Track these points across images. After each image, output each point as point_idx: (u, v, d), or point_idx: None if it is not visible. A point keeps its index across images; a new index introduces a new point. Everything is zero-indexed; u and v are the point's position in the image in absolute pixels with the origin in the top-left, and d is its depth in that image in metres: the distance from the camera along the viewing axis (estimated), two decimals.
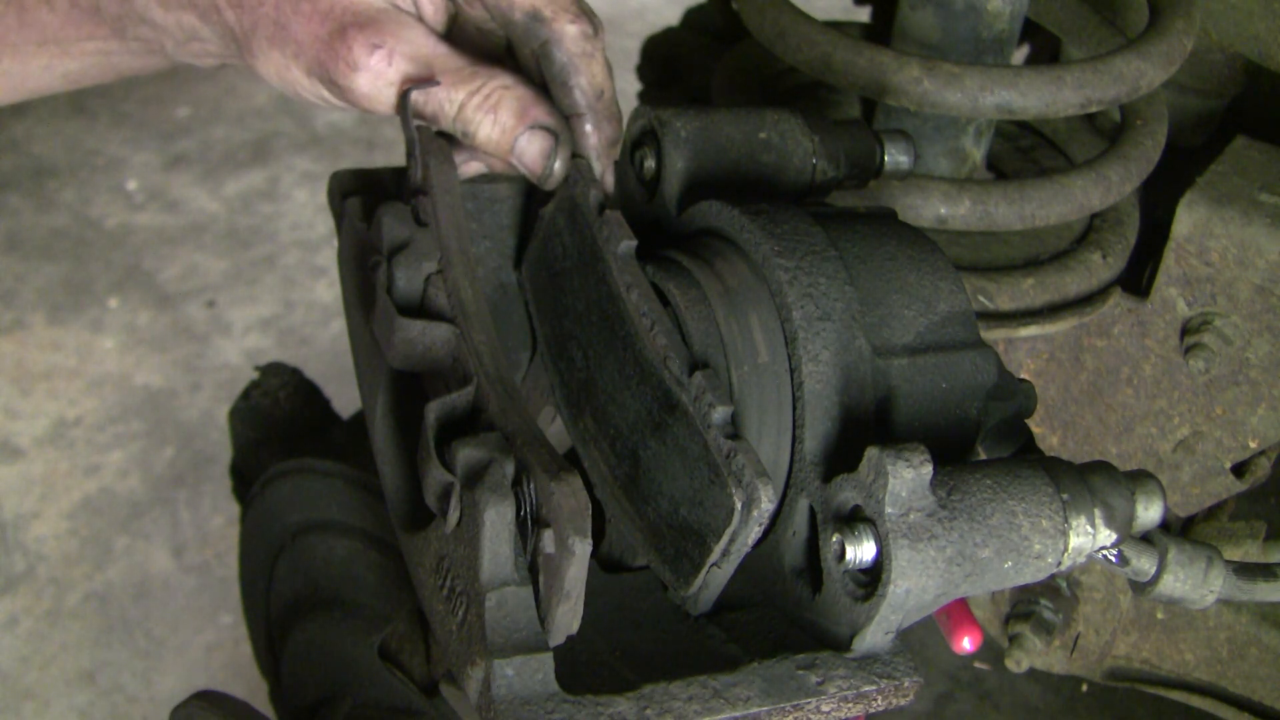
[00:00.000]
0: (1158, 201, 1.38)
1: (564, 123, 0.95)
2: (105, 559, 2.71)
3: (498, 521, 0.72)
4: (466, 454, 0.75)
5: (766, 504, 0.73)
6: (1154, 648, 1.52)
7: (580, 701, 0.72)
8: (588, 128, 0.95)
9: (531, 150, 0.93)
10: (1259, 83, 1.53)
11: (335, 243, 1.03)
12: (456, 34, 1.02)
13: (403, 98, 0.93)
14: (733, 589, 0.81)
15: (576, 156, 0.94)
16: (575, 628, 0.75)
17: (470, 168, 1.00)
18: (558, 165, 0.94)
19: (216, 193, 3.80)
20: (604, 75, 0.95)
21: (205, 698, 1.20)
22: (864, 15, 1.73)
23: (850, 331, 0.79)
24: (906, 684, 0.76)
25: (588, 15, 0.94)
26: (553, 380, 0.97)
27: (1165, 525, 0.80)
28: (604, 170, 0.96)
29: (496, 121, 0.92)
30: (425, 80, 0.93)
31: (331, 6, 0.90)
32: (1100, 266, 1.31)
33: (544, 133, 0.93)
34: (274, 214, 3.74)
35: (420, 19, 0.95)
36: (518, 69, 0.97)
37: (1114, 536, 0.74)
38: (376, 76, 0.90)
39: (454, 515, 0.76)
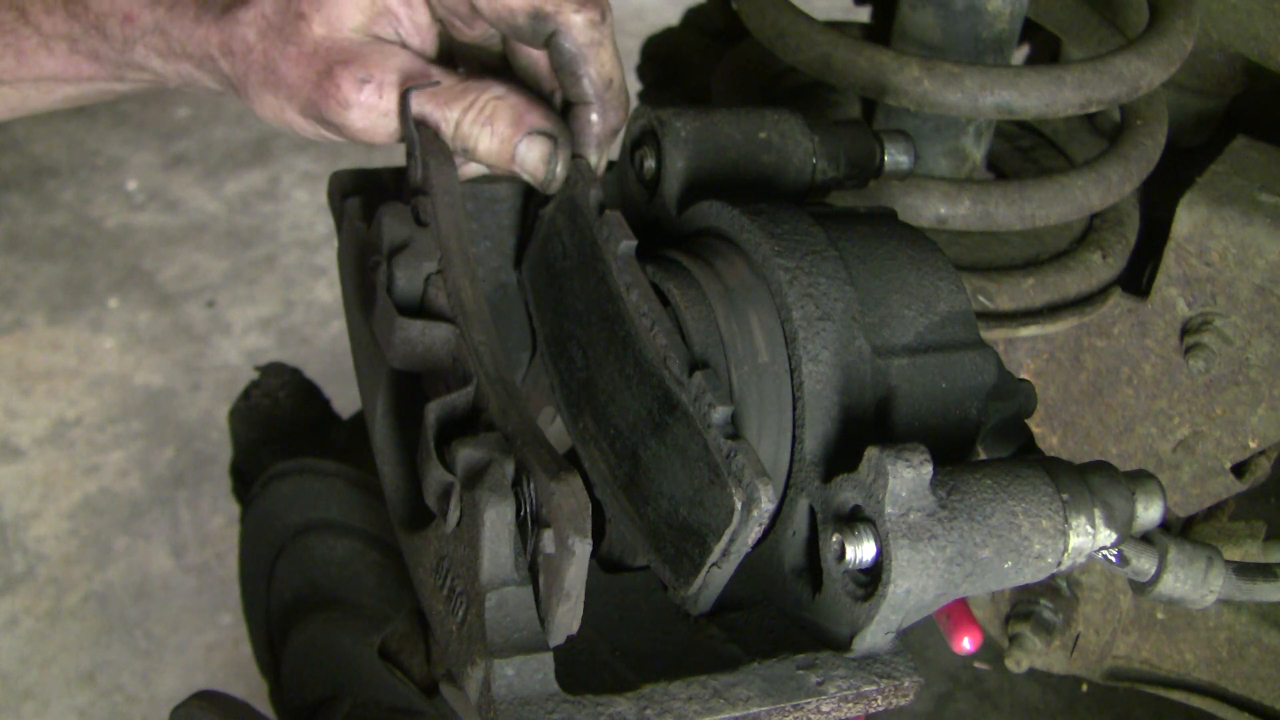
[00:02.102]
0: (1158, 201, 1.38)
1: (563, 125, 0.94)
2: (105, 559, 2.71)
3: (498, 521, 0.72)
4: (466, 454, 0.75)
5: (766, 504, 0.73)
6: (1154, 648, 1.52)
7: (580, 701, 0.72)
8: (593, 116, 0.94)
9: (531, 156, 0.93)
10: (1259, 83, 1.53)
11: (335, 243, 1.03)
12: (448, 58, 1.01)
13: (402, 99, 0.93)
14: (733, 589, 0.81)
15: (576, 156, 0.94)
16: (575, 628, 0.75)
17: (470, 168, 1.00)
18: (559, 169, 0.94)
19: (216, 193, 3.80)
20: (613, 63, 0.94)
21: (205, 698, 1.20)
22: (864, 15, 1.73)
23: (850, 331, 0.79)
24: (906, 684, 0.76)
25: (594, 1, 0.92)
26: (553, 380, 0.97)
27: (1165, 525, 0.80)
28: (600, 161, 0.95)
29: (494, 133, 0.92)
30: (424, 81, 0.93)
31: (316, 47, 0.90)
32: (1100, 266, 1.31)
33: (542, 138, 0.93)
34: (274, 214, 3.74)
35: (405, 46, 0.95)
36: (514, 80, 0.97)
37: (1114, 536, 0.74)
38: (369, 110, 0.90)
39: (454, 515, 0.76)
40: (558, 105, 0.97)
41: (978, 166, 1.39)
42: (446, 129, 0.92)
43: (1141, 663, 1.54)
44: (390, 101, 0.91)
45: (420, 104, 0.92)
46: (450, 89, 0.92)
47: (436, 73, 0.93)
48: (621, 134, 0.98)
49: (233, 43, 0.92)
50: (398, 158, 0.99)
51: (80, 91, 1.03)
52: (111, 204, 3.73)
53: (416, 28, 0.95)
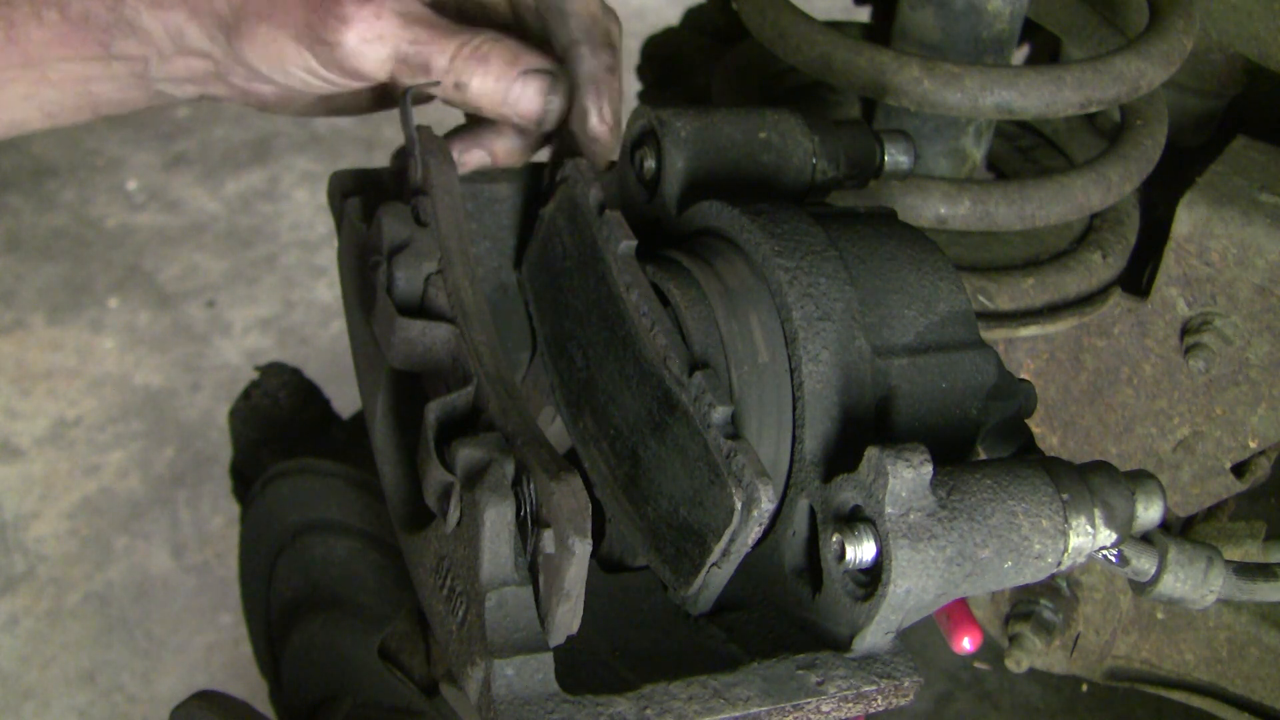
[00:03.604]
0: (1158, 201, 1.38)
1: (559, 65, 0.95)
2: (105, 559, 2.71)
3: (498, 521, 0.72)
4: (466, 454, 0.75)
5: (766, 504, 0.73)
6: (1154, 648, 1.52)
7: (580, 701, 0.72)
8: (584, 51, 0.95)
9: (528, 93, 0.94)
10: (1259, 83, 1.53)
11: (335, 243, 1.03)
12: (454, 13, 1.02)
13: (403, 97, 0.93)
14: (733, 589, 0.81)
15: (576, 156, 0.94)
16: (575, 628, 0.75)
17: (472, 156, 1.00)
18: (557, 103, 0.94)
19: (216, 193, 3.80)
20: (599, 7, 0.96)
21: (205, 698, 1.19)
22: (864, 15, 1.73)
23: (850, 331, 0.79)
24: (906, 684, 0.76)
25: None
26: (553, 380, 0.97)
27: (1165, 525, 0.80)
28: (603, 101, 0.95)
29: (489, 70, 0.93)
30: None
31: None
32: (1100, 266, 1.31)
33: (539, 74, 0.94)
34: (274, 214, 3.74)
35: None
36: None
37: (1114, 536, 0.74)
38: (366, 29, 0.92)
39: (454, 515, 0.76)
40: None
41: (978, 166, 1.39)
42: (441, 62, 0.93)
43: (1141, 663, 1.54)
44: (388, 26, 0.92)
45: (415, 38, 0.92)
46: (446, 27, 0.93)
47: (433, 16, 0.94)
48: (619, 133, 0.98)
49: None
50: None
51: (60, 97, 1.02)
52: (111, 204, 3.73)
53: None
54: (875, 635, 0.73)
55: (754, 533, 0.75)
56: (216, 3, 0.95)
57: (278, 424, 1.69)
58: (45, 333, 3.27)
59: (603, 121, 0.96)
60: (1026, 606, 1.56)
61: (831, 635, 0.76)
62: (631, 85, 1.92)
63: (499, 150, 1.00)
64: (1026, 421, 0.85)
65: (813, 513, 0.77)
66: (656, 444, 0.82)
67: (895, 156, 0.99)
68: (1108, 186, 1.25)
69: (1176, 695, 1.53)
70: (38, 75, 1.00)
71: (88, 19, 0.97)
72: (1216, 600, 0.81)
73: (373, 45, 0.92)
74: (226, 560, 2.66)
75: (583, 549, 0.71)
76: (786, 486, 0.80)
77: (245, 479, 1.70)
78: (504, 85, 0.93)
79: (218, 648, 2.56)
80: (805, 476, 0.78)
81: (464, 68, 0.93)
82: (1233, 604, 1.43)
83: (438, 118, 0.98)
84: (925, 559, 0.69)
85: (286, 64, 0.95)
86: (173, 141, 4.00)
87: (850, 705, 0.75)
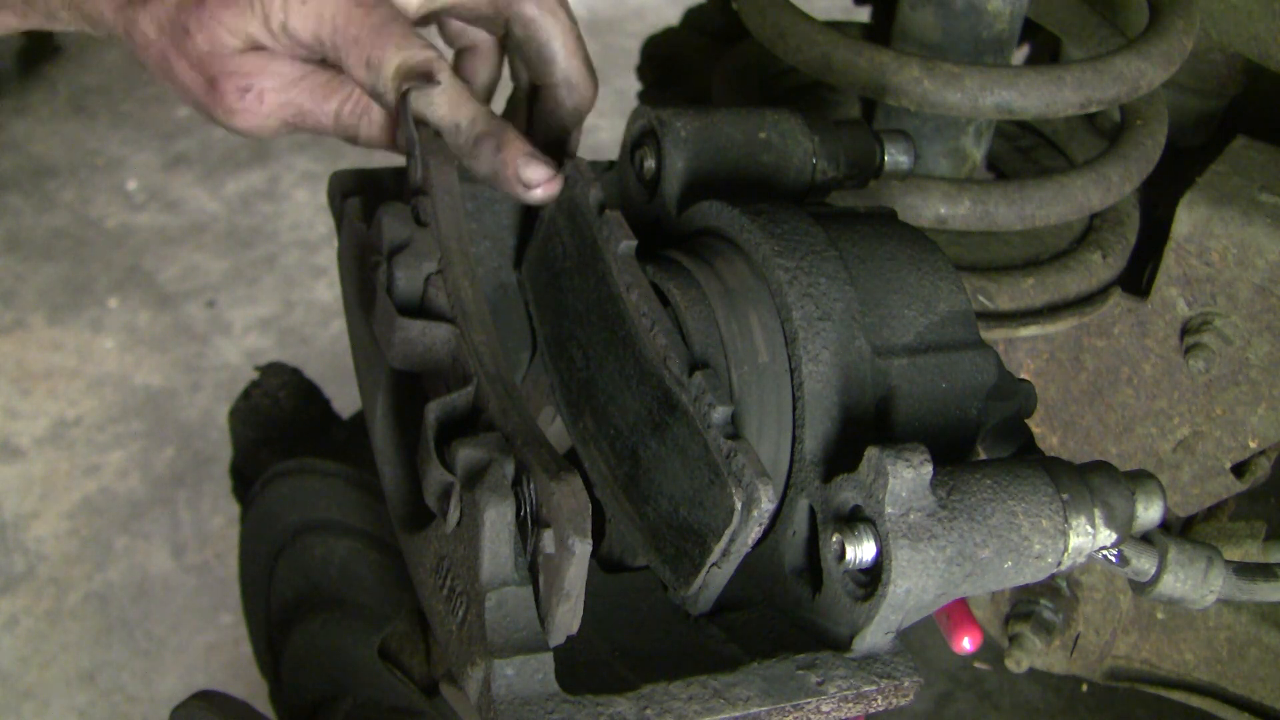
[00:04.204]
0: (1158, 201, 1.38)
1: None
2: (105, 559, 2.71)
3: (498, 521, 0.72)
4: (466, 454, 0.75)
5: (766, 504, 0.73)
6: (1154, 648, 1.52)
7: (580, 701, 0.72)
8: (483, 151, 0.94)
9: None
10: (1259, 83, 1.53)
11: (335, 243, 1.03)
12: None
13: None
14: (733, 589, 0.81)
15: (575, 157, 0.94)
16: (575, 628, 0.75)
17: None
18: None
19: (216, 193, 3.80)
20: (466, 111, 0.94)
21: (205, 698, 1.20)
22: (864, 15, 1.73)
23: (850, 331, 0.79)
24: (906, 684, 0.76)
25: (422, 70, 0.92)
26: (553, 380, 0.97)
27: (1165, 525, 0.80)
28: (522, 159, 0.93)
29: (372, 121, 0.98)
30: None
31: (201, 58, 0.96)
32: (1100, 266, 1.31)
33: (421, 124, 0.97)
34: (274, 214, 3.74)
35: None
36: None
37: (1114, 536, 0.74)
38: (252, 114, 0.97)
39: (454, 515, 0.76)
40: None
41: (978, 166, 1.39)
42: (327, 122, 0.98)
43: (1141, 663, 1.54)
44: (271, 104, 0.97)
45: (299, 109, 0.97)
46: (326, 85, 0.98)
47: (313, 75, 0.98)
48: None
49: (134, 34, 0.97)
50: (397, 158, 1.00)
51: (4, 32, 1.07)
52: (111, 204, 3.73)
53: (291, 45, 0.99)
54: (875, 635, 0.73)
55: (754, 533, 0.75)
56: (128, 45, 0.99)
57: (278, 424, 1.69)
58: (45, 333, 3.27)
59: (533, 170, 0.93)
60: (1026, 606, 1.56)
61: (831, 635, 0.76)
62: (631, 85, 1.92)
63: None
64: (1026, 421, 0.85)
65: (813, 513, 0.77)
66: (656, 444, 0.82)
67: (895, 156, 0.99)
68: (1108, 186, 1.25)
69: (1176, 695, 1.53)
70: None
71: (25, 14, 1.02)
72: (1216, 600, 0.81)
73: (264, 122, 0.98)
74: (226, 560, 2.66)
75: (583, 549, 0.71)
76: (786, 486, 0.80)
77: (245, 479, 1.71)
78: (389, 134, 0.99)
79: (218, 648, 2.56)
80: (805, 476, 0.78)
81: (349, 123, 0.98)
82: (1233, 604, 1.43)
83: None
84: (925, 559, 0.69)
85: (194, 111, 1.01)
86: (173, 141, 4.00)
87: (850, 705, 0.75)
